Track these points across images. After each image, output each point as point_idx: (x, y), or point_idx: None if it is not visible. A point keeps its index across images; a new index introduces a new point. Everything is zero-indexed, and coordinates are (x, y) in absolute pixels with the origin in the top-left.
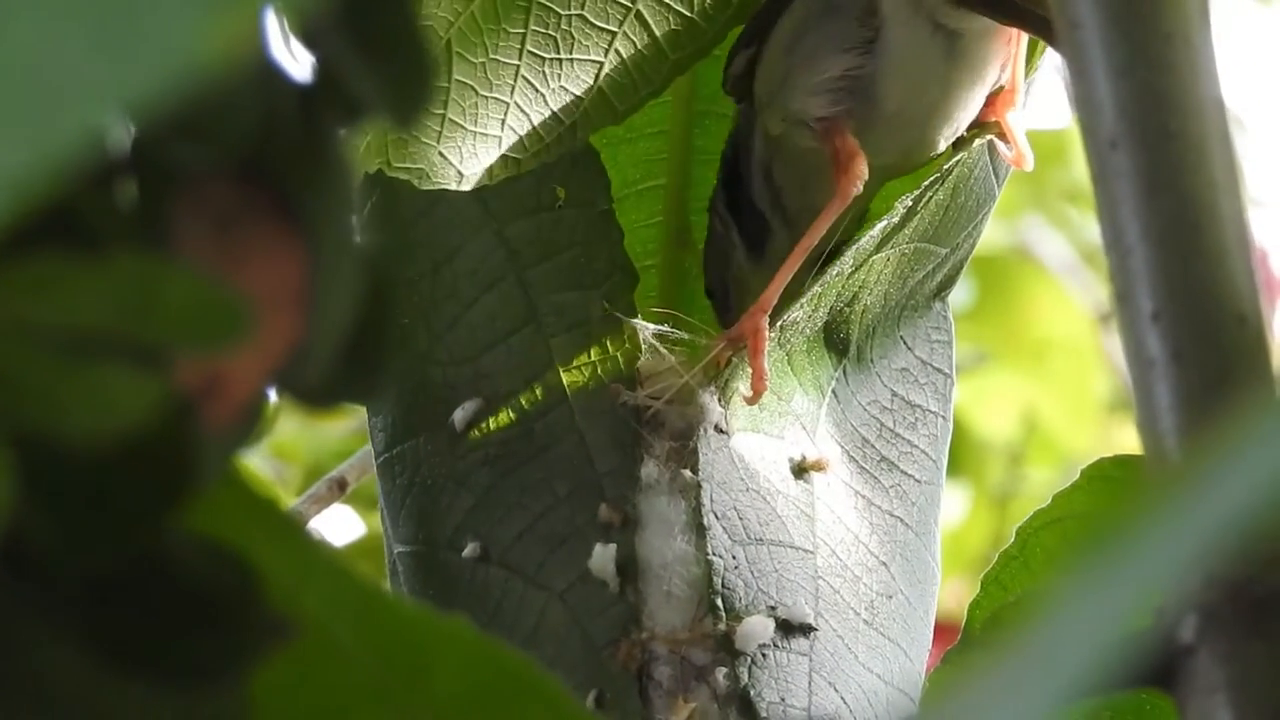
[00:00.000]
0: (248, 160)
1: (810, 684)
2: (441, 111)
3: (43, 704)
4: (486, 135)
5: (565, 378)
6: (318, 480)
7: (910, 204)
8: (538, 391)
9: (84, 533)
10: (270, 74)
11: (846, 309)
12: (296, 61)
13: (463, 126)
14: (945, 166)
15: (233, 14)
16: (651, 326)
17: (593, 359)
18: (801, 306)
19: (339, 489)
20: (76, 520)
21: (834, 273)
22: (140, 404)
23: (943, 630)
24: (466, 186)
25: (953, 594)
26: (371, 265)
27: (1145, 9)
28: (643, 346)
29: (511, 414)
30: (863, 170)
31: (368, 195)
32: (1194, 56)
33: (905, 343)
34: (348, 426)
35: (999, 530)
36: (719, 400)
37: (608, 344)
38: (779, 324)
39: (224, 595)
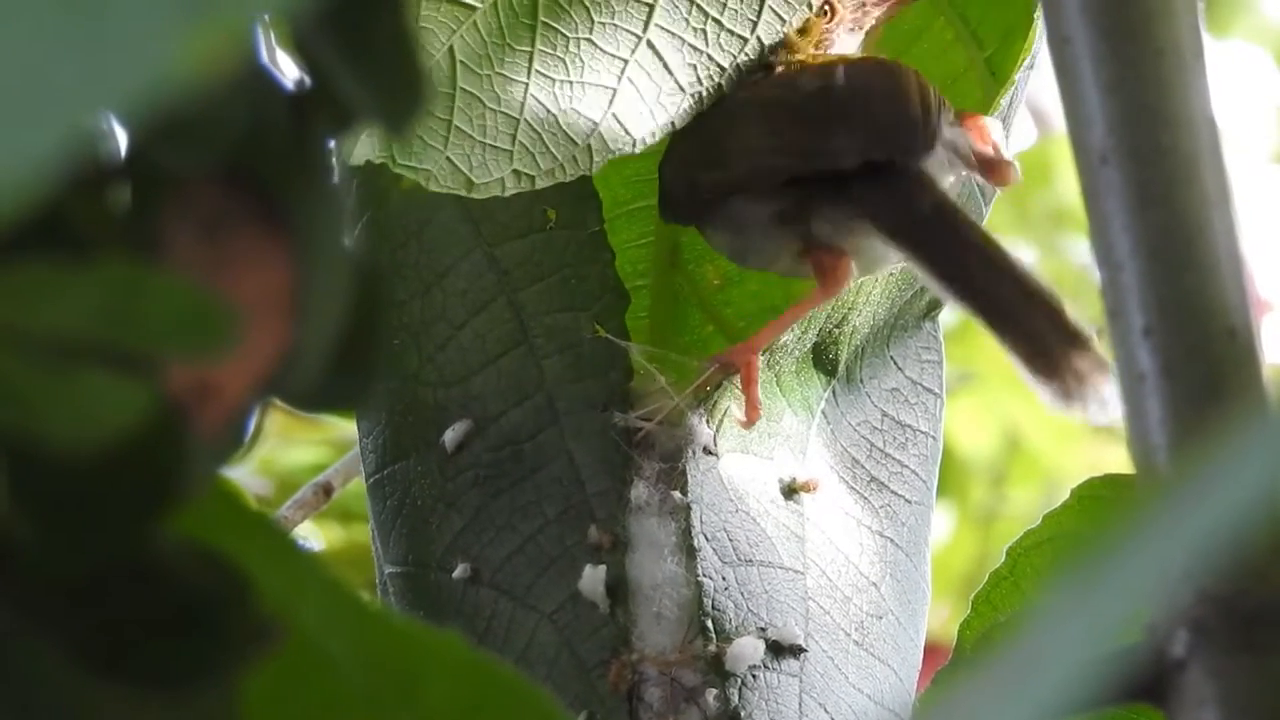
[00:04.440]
0: (237, 166)
1: (801, 705)
2: (447, 118)
3: (29, 705)
4: (497, 148)
5: (556, 399)
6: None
7: None
8: (528, 413)
9: (68, 537)
10: (260, 81)
11: (835, 330)
12: (288, 70)
13: (471, 136)
14: None
15: (212, 25)
16: (642, 348)
17: (583, 380)
18: (790, 329)
19: (325, 495)
20: (61, 525)
21: None
22: (126, 411)
23: (930, 651)
24: (479, 195)
25: (937, 615)
26: (361, 271)
27: (1136, 24)
28: (633, 368)
29: (502, 435)
30: (850, 273)
31: (361, 211)
32: (1185, 72)
33: (895, 363)
34: (324, 438)
35: (983, 550)
36: (708, 422)
37: (599, 365)
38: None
39: (211, 600)
